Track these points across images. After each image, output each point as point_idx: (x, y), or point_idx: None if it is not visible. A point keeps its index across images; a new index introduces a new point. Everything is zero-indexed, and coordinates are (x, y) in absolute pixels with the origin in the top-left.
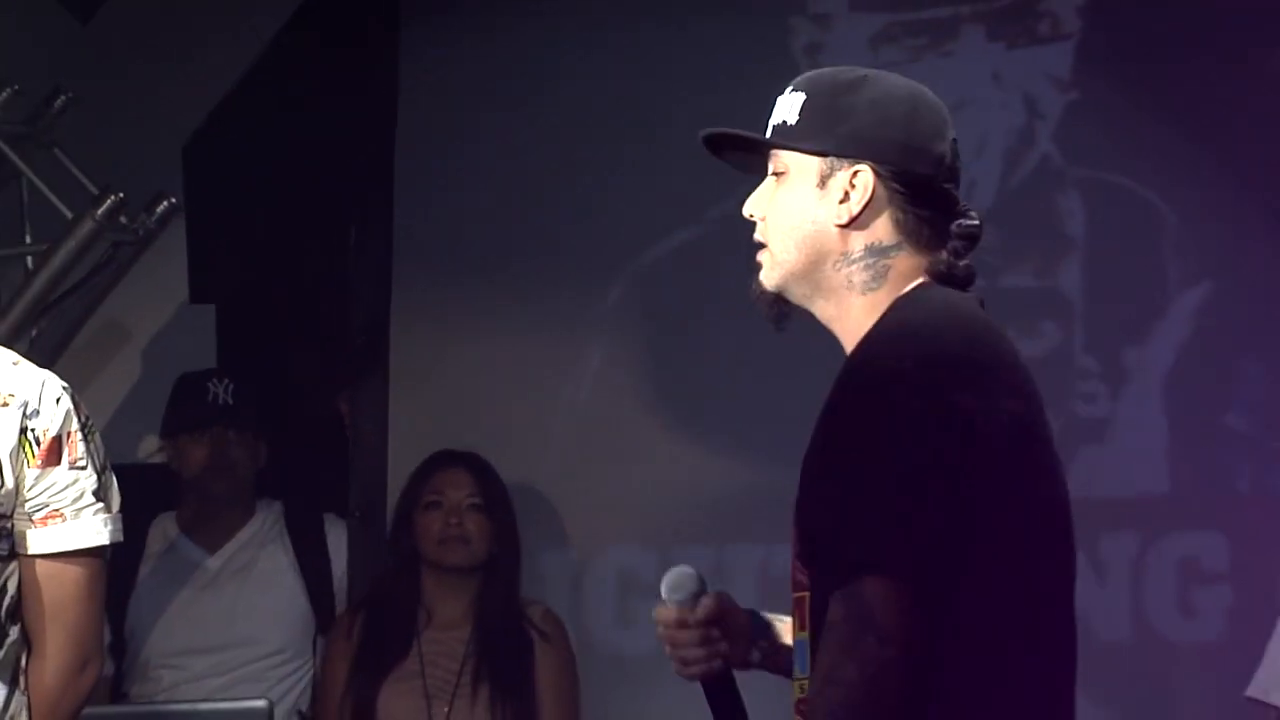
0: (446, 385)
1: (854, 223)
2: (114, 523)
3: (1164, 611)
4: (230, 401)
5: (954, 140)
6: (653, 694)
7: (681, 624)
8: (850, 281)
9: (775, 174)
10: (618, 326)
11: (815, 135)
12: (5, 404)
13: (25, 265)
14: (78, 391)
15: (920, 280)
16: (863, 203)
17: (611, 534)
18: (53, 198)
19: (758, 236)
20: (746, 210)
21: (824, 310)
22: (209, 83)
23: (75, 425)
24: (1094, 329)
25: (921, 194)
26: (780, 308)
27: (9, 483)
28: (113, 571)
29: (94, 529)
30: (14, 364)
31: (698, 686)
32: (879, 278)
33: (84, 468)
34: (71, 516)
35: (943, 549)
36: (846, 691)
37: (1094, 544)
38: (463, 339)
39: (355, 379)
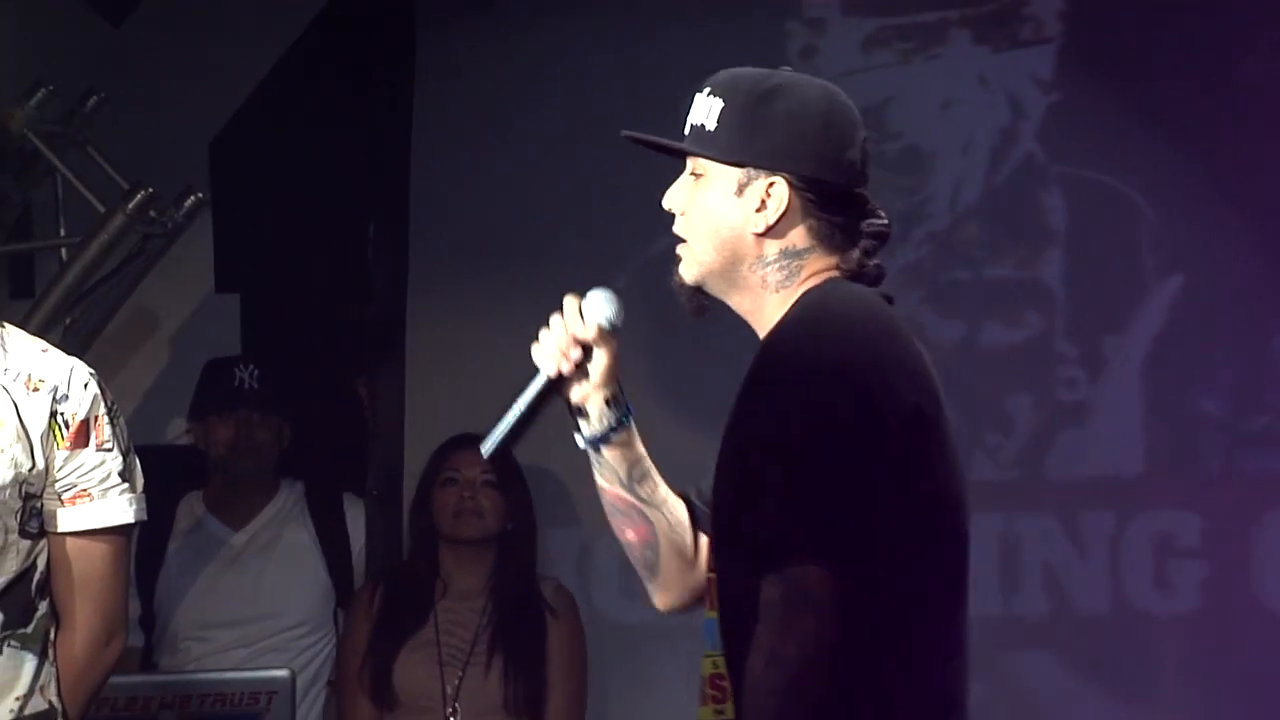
0: (460, 371)
1: (770, 231)
2: (138, 502)
3: (1141, 586)
4: (255, 386)
5: (865, 140)
6: (654, 662)
7: (575, 338)
8: (765, 281)
9: (694, 174)
10: (623, 315)
11: (732, 146)
12: (36, 389)
13: (60, 257)
14: (109, 376)
15: (829, 274)
16: (778, 213)
17: None
18: (86, 193)
19: (677, 229)
20: (666, 204)
21: (740, 304)
22: (234, 84)
23: (102, 409)
24: (1074, 318)
25: (834, 201)
26: (699, 299)
27: (39, 464)
28: (142, 548)
29: (120, 508)
30: (43, 351)
31: (697, 658)
32: (792, 277)
33: (110, 449)
34: (99, 496)
35: (861, 527)
36: (789, 670)
37: (1074, 522)
38: (476, 327)
39: (373, 365)
